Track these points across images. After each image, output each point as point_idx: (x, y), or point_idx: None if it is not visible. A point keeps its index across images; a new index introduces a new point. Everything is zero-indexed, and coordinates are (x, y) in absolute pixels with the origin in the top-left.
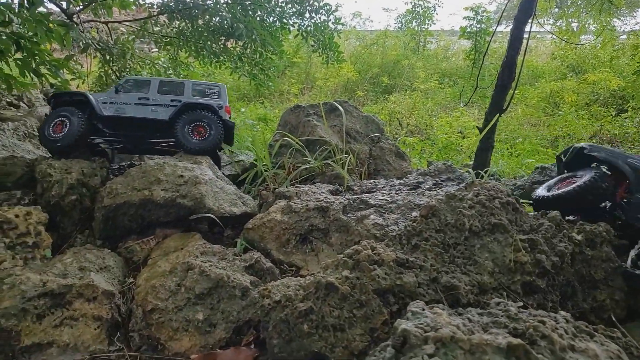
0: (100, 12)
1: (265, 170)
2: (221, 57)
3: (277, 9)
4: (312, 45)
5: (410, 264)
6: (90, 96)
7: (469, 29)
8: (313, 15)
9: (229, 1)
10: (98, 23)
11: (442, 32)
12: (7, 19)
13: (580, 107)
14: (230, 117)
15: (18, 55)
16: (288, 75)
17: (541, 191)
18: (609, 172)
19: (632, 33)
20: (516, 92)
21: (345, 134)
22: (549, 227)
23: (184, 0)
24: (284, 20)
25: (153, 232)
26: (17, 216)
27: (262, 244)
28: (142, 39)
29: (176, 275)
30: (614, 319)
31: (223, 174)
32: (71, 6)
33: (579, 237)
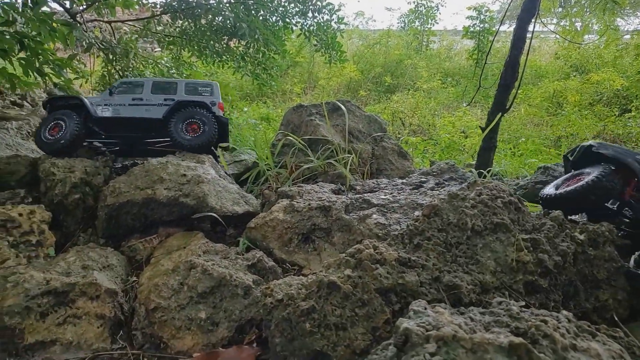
0: (103, 12)
1: (268, 170)
2: (224, 57)
3: (280, 9)
4: (315, 45)
5: (413, 263)
6: (85, 99)
7: (472, 29)
8: (316, 14)
9: (232, 1)
10: (101, 22)
11: (445, 32)
12: (10, 19)
13: (583, 107)
14: (224, 114)
15: (22, 54)
16: (291, 74)
17: (549, 190)
18: (615, 170)
19: (636, 33)
20: (519, 91)
21: (348, 133)
22: (551, 226)
23: (186, 0)
24: (287, 20)
25: (156, 231)
26: (20, 215)
27: (265, 243)
28: (145, 39)
29: (179, 274)
30: (616, 318)
31: (225, 173)
32: (74, 6)
33: (582, 237)
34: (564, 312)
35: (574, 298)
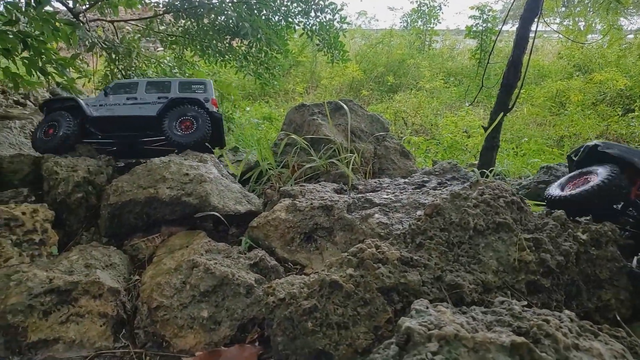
0: (106, 11)
1: (270, 169)
2: (226, 56)
3: (283, 8)
4: (317, 44)
5: (415, 262)
6: (81, 100)
7: (474, 28)
8: (318, 14)
9: (235, 0)
10: (104, 22)
11: (447, 31)
12: (14, 18)
13: (586, 106)
14: (218, 110)
15: (25, 54)
16: (293, 74)
17: (554, 190)
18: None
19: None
20: (522, 91)
21: (350, 132)
22: (553, 226)
23: None
24: (289, 19)
25: (158, 230)
26: (24, 213)
27: (267, 242)
28: (148, 38)
29: (181, 273)
30: (618, 318)
31: (228, 172)
32: (77, 5)
33: (584, 237)
34: (566, 311)
35: (577, 298)
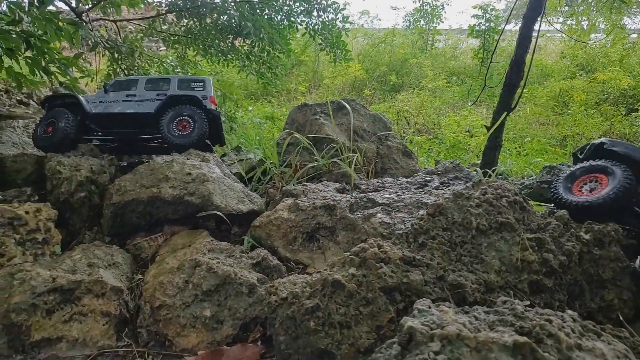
0: (109, 11)
1: (273, 168)
2: (229, 56)
3: (285, 8)
4: (320, 44)
5: (417, 262)
6: (81, 97)
7: (477, 28)
8: (321, 13)
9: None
10: (107, 21)
11: (450, 31)
12: (17, 18)
13: (589, 106)
14: (216, 108)
15: (28, 53)
16: (295, 73)
17: (565, 193)
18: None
19: None
20: (525, 91)
21: (353, 132)
22: (556, 226)
23: None
24: (292, 19)
25: (161, 229)
26: (27, 213)
27: (269, 241)
28: (151, 38)
29: (184, 272)
30: (621, 318)
31: (230, 171)
32: (80, 5)
33: (587, 237)
34: (569, 311)
35: (579, 298)
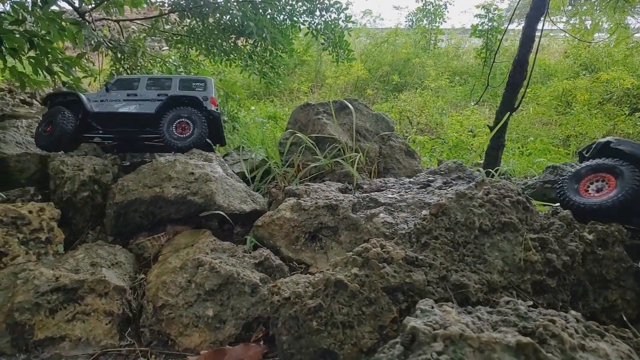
0: (111, 11)
1: (275, 168)
2: (231, 55)
3: (288, 7)
4: (322, 44)
5: (420, 262)
6: (82, 95)
7: (480, 27)
8: (323, 13)
9: None
10: (110, 21)
11: (453, 30)
12: (20, 18)
13: (593, 106)
14: (216, 109)
15: (31, 53)
16: (298, 73)
17: (573, 195)
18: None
19: None
20: (528, 90)
21: (355, 132)
22: (559, 226)
23: None
24: (294, 18)
25: (164, 229)
26: (30, 212)
27: (272, 241)
28: (153, 37)
29: (186, 272)
30: (625, 319)
31: (233, 171)
32: (83, 4)
33: (591, 237)
34: (572, 312)
35: (583, 298)
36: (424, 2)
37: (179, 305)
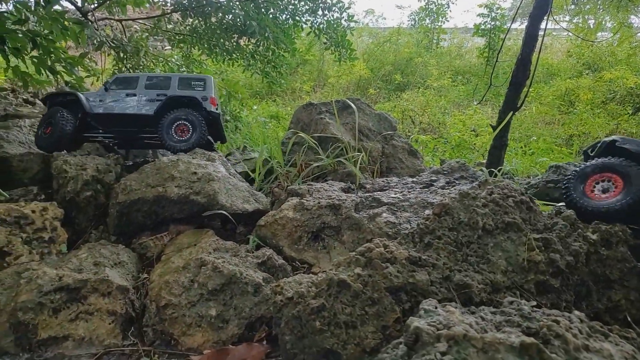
0: (114, 10)
1: (278, 168)
2: (234, 55)
3: (290, 7)
4: (325, 43)
5: (423, 262)
6: (81, 95)
7: (483, 26)
8: (326, 12)
9: None
10: (112, 21)
11: (455, 30)
12: (23, 17)
13: (596, 105)
14: (216, 108)
15: (34, 53)
16: (300, 72)
17: (580, 197)
18: None
19: None
20: (531, 90)
21: (358, 131)
22: (563, 226)
23: None
24: (297, 18)
25: (167, 228)
26: (33, 212)
27: (274, 241)
28: (156, 37)
29: (189, 271)
30: (629, 319)
31: (235, 170)
32: (86, 4)
33: (594, 237)
34: (576, 312)
35: (586, 298)
36: (426, 1)
37: (181, 305)
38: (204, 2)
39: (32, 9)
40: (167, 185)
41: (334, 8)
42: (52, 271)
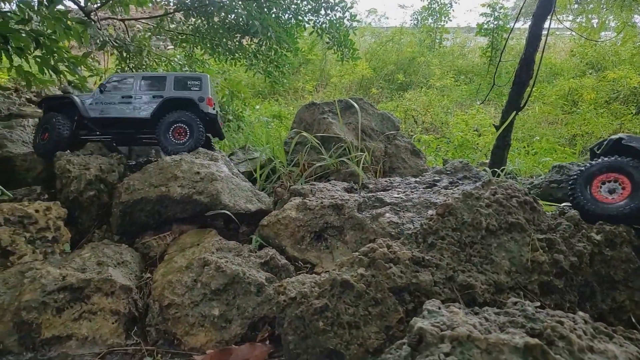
0: (117, 10)
1: (281, 168)
2: (236, 54)
3: (293, 6)
4: (327, 43)
5: (426, 262)
6: (77, 99)
7: (486, 26)
8: (328, 12)
9: None
10: (115, 20)
11: (458, 29)
12: (26, 17)
13: (599, 105)
14: (213, 108)
15: (37, 52)
16: (303, 72)
17: (589, 200)
18: None
19: None
20: (534, 89)
21: (361, 131)
22: (567, 226)
23: None
24: (299, 17)
25: (169, 228)
26: (37, 211)
27: (277, 240)
28: (159, 36)
29: (192, 271)
30: (633, 320)
31: (238, 170)
32: (89, 4)
33: (598, 237)
34: (580, 313)
35: (590, 299)
36: (429, 0)
37: (185, 305)
38: (207, 1)
39: (35, 8)
40: (170, 185)
41: (336, 7)
42: (56, 271)
